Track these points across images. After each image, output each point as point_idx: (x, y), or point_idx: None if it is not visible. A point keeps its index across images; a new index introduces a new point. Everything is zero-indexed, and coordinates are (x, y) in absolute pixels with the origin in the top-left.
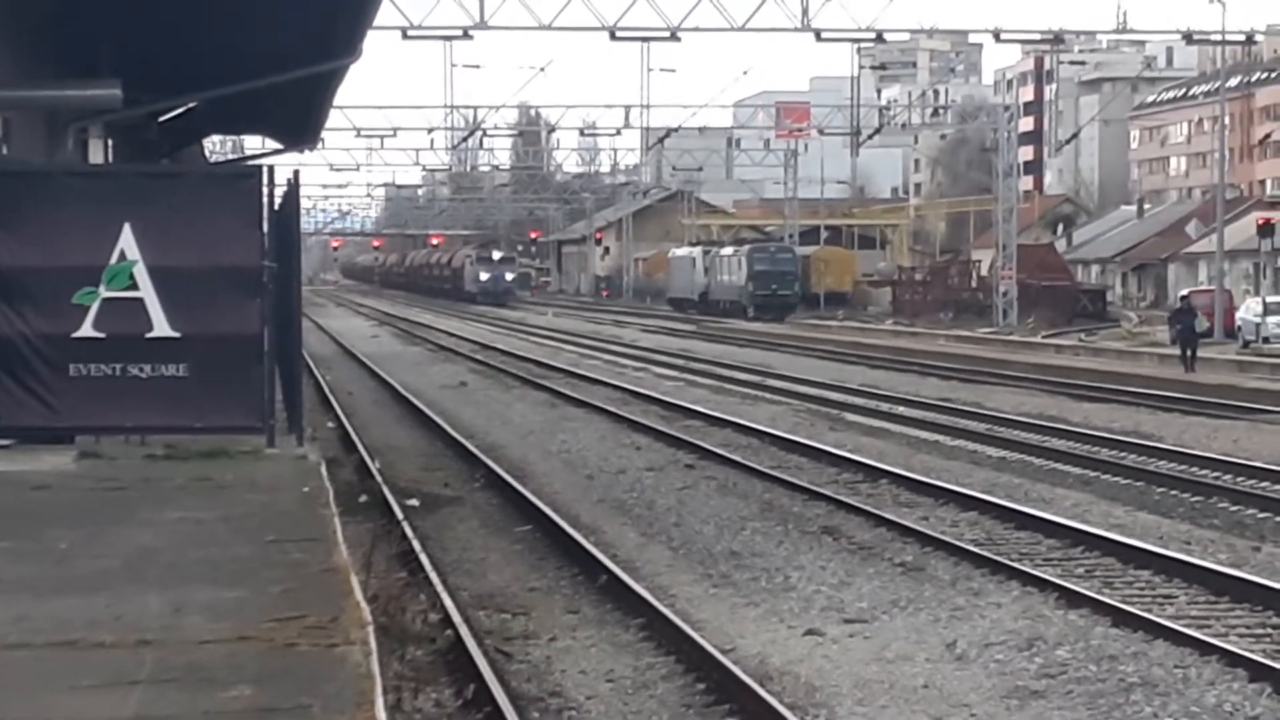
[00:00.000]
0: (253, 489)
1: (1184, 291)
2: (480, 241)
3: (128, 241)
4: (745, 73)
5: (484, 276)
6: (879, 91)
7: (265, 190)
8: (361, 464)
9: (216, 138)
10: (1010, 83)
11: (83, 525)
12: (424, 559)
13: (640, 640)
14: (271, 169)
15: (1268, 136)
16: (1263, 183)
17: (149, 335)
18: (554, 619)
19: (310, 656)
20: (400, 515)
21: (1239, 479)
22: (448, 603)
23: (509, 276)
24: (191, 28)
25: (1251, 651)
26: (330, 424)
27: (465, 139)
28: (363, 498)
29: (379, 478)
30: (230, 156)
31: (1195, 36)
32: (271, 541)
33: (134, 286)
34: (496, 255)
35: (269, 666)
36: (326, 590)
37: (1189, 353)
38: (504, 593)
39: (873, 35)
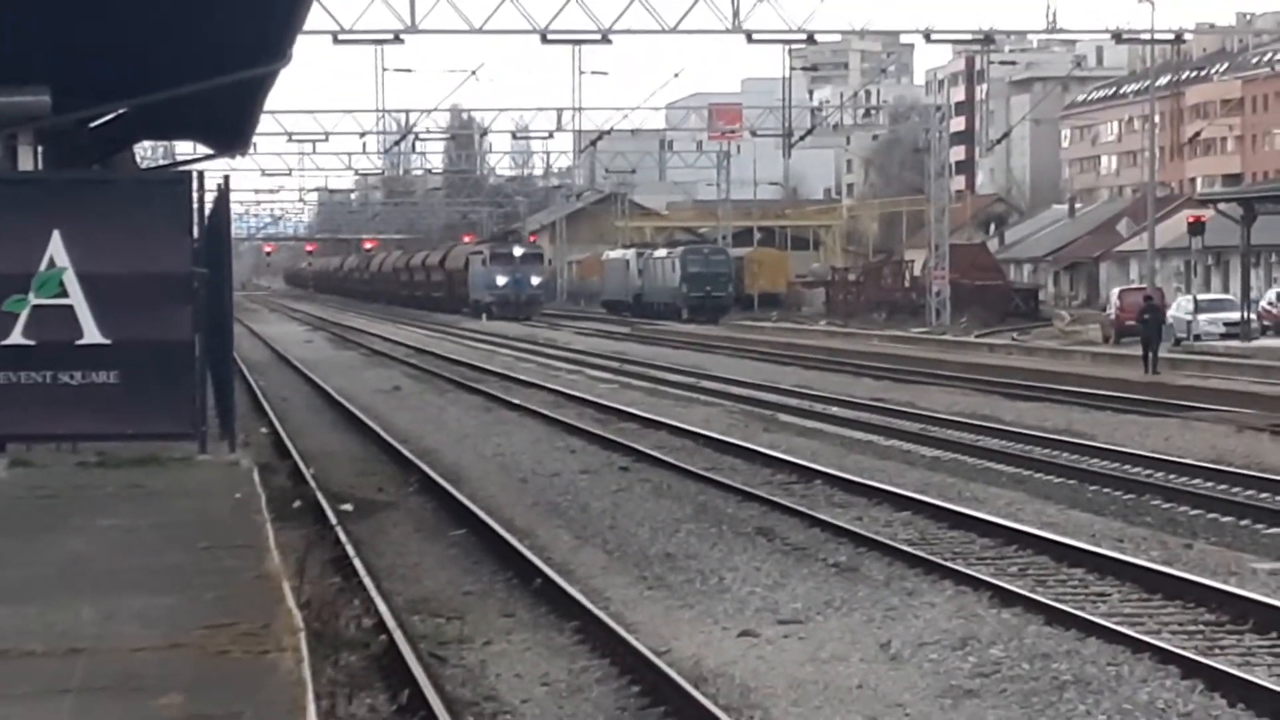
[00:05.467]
0: (185, 496)
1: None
2: (493, 233)
3: (57, 248)
4: (677, 75)
5: (500, 281)
6: (811, 93)
7: (195, 196)
8: (295, 469)
9: (148, 144)
10: (942, 83)
11: (14, 533)
12: (358, 564)
13: (575, 643)
14: (201, 175)
15: (1197, 134)
16: (1193, 180)
17: (79, 342)
18: (489, 623)
19: (242, 663)
20: (334, 520)
21: (1170, 476)
22: (381, 608)
23: (535, 281)
24: (120, 33)
25: (1183, 649)
26: (263, 430)
27: (397, 143)
28: (296, 503)
29: (312, 483)
30: (162, 162)
31: (1124, 36)
32: (204, 548)
33: (64, 294)
34: (518, 251)
35: (201, 674)
36: (259, 597)
37: (1151, 354)
38: (438, 597)
39: (804, 36)
